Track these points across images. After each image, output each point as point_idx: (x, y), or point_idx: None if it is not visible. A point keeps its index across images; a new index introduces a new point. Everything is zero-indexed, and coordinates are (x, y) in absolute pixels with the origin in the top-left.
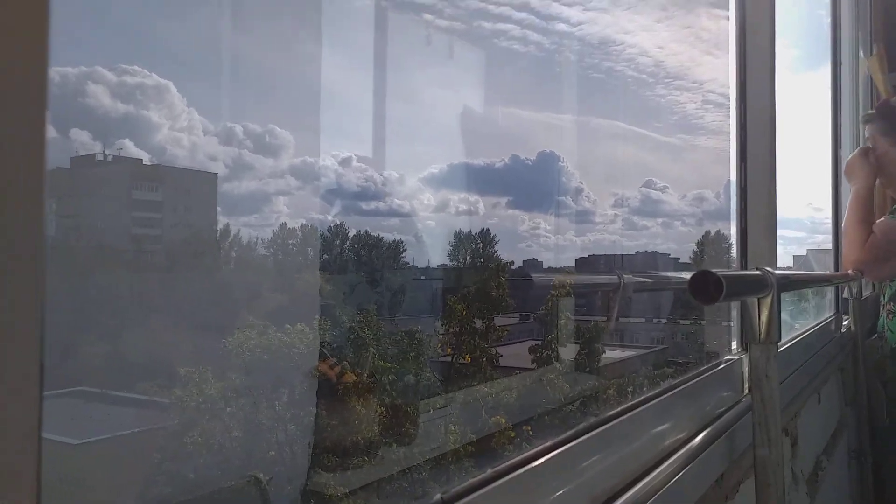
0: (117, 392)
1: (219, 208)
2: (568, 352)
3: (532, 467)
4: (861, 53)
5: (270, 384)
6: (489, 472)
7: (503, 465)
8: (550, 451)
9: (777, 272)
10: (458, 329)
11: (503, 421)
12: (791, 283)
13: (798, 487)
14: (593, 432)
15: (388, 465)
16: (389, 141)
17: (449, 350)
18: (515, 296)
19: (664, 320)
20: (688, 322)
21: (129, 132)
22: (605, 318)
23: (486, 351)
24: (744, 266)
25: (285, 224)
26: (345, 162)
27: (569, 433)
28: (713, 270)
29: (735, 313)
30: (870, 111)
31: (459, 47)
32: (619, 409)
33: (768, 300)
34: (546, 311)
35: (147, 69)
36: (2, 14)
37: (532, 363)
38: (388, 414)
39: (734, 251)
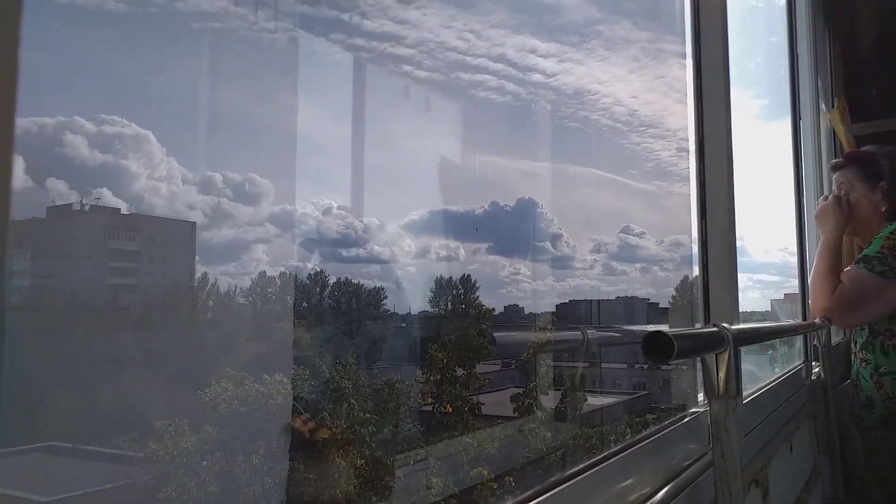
0: (89, 447)
1: (197, 257)
2: (549, 399)
3: None
4: (823, 106)
5: (247, 436)
6: None
7: None
8: None
9: (734, 328)
10: (439, 378)
11: (485, 472)
12: (749, 338)
13: None
14: (555, 490)
15: None
16: (370, 189)
17: (430, 399)
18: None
19: (646, 366)
20: (669, 367)
21: (106, 181)
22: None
23: (468, 400)
24: (707, 321)
25: (264, 272)
26: (325, 210)
27: (528, 493)
28: (665, 331)
29: None
30: (838, 159)
31: (438, 97)
32: (582, 465)
33: (725, 356)
34: (527, 357)
35: (127, 119)
36: None
37: (514, 412)
38: (367, 467)
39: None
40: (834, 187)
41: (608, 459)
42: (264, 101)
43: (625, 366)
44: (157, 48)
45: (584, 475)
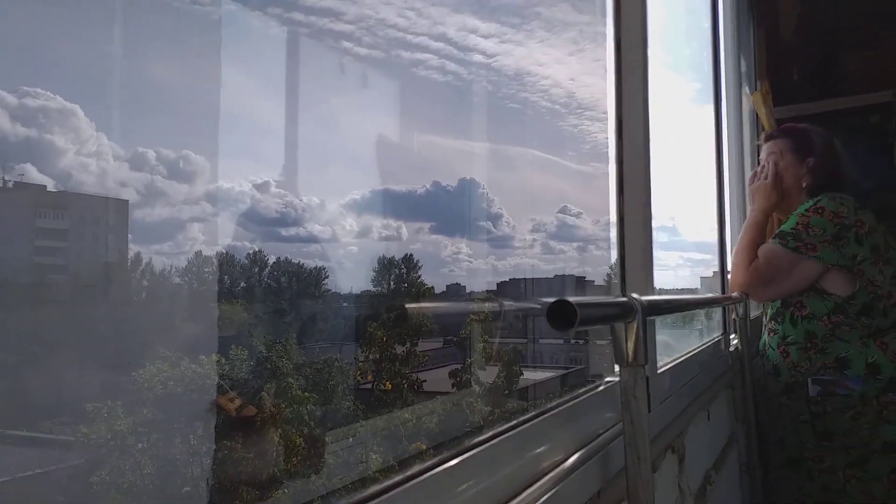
0: (16, 431)
1: (130, 236)
2: (487, 375)
3: (388, 497)
4: (746, 89)
5: (185, 418)
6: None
7: (358, 497)
8: (414, 478)
9: (644, 298)
10: (377, 356)
11: (423, 447)
12: (660, 309)
13: (685, 502)
14: (469, 454)
15: (305, 496)
16: (309, 167)
17: (369, 377)
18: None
19: (582, 341)
20: (604, 342)
21: (31, 157)
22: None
23: (407, 376)
24: (624, 293)
25: (200, 252)
26: (262, 187)
27: (434, 459)
28: (569, 299)
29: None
30: (772, 130)
31: (379, 75)
32: (496, 430)
33: (634, 325)
34: (465, 334)
35: (51, 92)
36: None
37: (452, 387)
38: (305, 445)
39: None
40: (763, 156)
41: (521, 425)
42: (199, 76)
43: (562, 342)
44: (83, 17)
45: (497, 440)
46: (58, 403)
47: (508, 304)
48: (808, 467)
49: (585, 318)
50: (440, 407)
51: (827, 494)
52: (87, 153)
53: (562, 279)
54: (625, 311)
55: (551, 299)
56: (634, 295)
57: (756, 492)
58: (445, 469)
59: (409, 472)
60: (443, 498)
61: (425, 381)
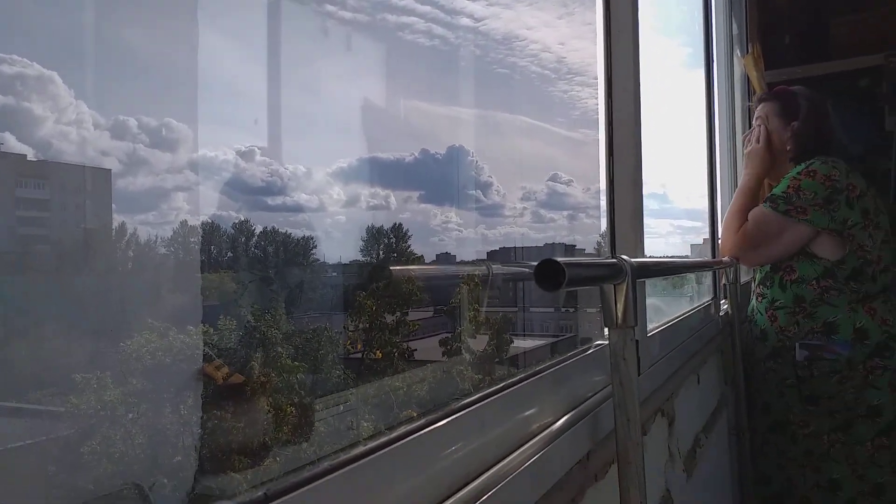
0: (5, 403)
1: (114, 206)
2: (477, 343)
3: (377, 456)
4: (737, 52)
5: (174, 388)
6: (325, 465)
7: (345, 457)
8: (402, 439)
9: (634, 260)
10: (367, 325)
11: (414, 415)
12: (649, 271)
13: (675, 465)
14: (458, 414)
15: (296, 463)
16: (294, 134)
17: (359, 346)
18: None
19: (572, 308)
20: (594, 310)
21: (8, 126)
22: (514, 309)
23: (398, 346)
24: (614, 255)
25: (186, 221)
26: (247, 155)
27: (422, 421)
28: (557, 259)
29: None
30: (762, 93)
31: (364, 39)
32: (484, 392)
33: (624, 286)
34: (455, 303)
35: (28, 59)
36: None
37: (443, 356)
38: (296, 413)
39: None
40: (754, 120)
41: (510, 388)
42: (179, 42)
43: (552, 310)
44: None
45: (485, 402)
46: (46, 374)
47: (497, 268)
48: (793, 431)
49: (573, 278)
50: (431, 375)
51: (810, 458)
52: (67, 121)
53: (552, 248)
54: (614, 273)
55: (538, 262)
56: (624, 256)
57: (745, 455)
58: (434, 429)
59: (397, 433)
60: (431, 458)
61: (415, 350)
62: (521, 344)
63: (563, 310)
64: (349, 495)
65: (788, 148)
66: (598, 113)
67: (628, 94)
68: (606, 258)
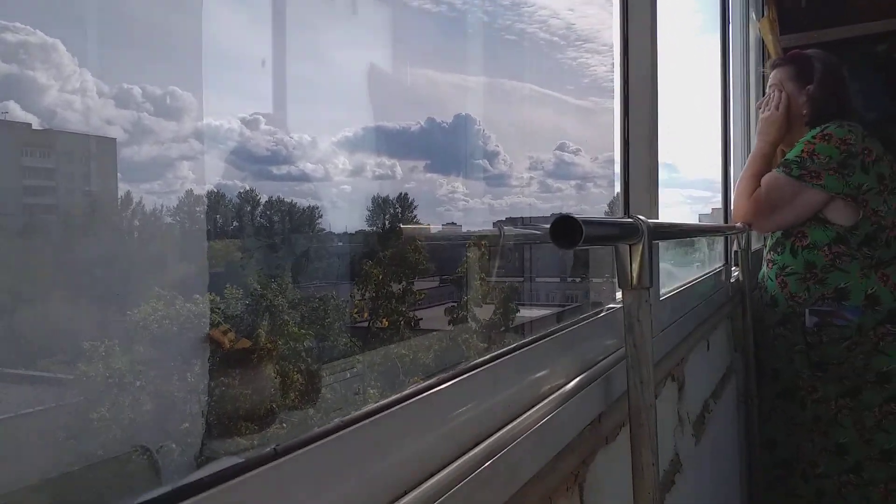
0: (15, 370)
1: (119, 175)
2: (483, 312)
3: (386, 415)
4: (753, 15)
5: (181, 356)
6: (336, 421)
7: (356, 414)
8: (413, 398)
9: (651, 221)
10: (374, 294)
11: (420, 381)
12: (665, 233)
13: (684, 430)
14: (467, 374)
15: (303, 430)
16: (299, 103)
17: (366, 315)
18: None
19: (578, 279)
20: (600, 280)
21: (12, 94)
22: (521, 279)
23: (404, 314)
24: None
25: (191, 191)
26: (252, 124)
27: (433, 380)
28: (575, 215)
29: None
30: (778, 58)
31: (370, 5)
32: (494, 353)
33: (640, 247)
34: (462, 273)
35: (30, 26)
36: None
37: (449, 324)
38: (303, 381)
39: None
40: (769, 86)
41: (522, 349)
42: (183, 8)
43: (558, 279)
44: None
45: (496, 362)
46: (54, 343)
47: (509, 230)
48: (801, 397)
49: (590, 236)
50: (437, 343)
51: (818, 424)
52: (71, 90)
53: None
54: (630, 232)
55: (554, 218)
56: (641, 216)
57: (753, 421)
58: (446, 389)
59: (408, 392)
60: (443, 418)
61: (422, 319)
62: (527, 313)
63: (570, 280)
64: (359, 451)
65: (804, 112)
66: (607, 81)
67: (645, 53)
68: (622, 217)
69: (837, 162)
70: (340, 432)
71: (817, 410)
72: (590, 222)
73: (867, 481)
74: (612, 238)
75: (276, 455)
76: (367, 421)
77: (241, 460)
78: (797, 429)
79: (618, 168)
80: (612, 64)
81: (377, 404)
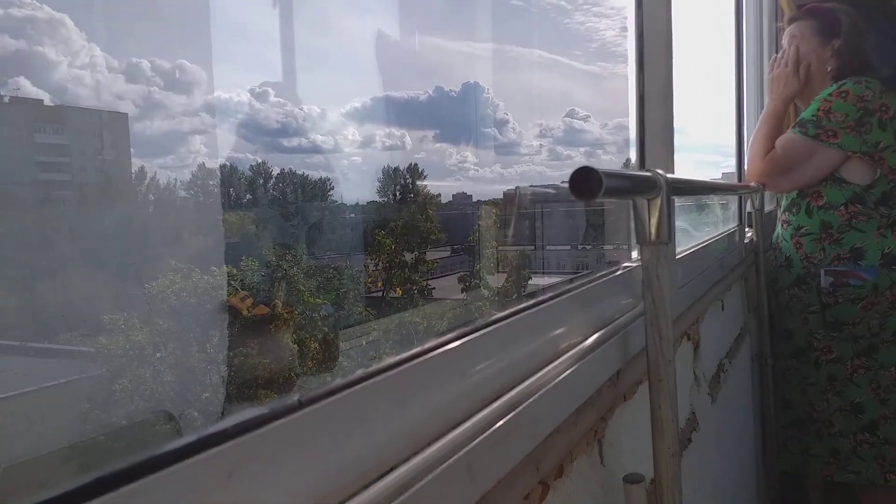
0: (37, 344)
1: (132, 150)
2: (496, 280)
3: (408, 367)
4: None
5: (199, 327)
6: (359, 373)
7: (378, 366)
8: (433, 351)
9: (669, 175)
10: (387, 263)
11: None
12: (683, 188)
13: (700, 388)
14: (479, 332)
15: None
16: (308, 74)
17: (379, 284)
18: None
19: (589, 247)
20: (611, 247)
21: (22, 70)
22: (531, 247)
23: (417, 283)
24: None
25: (203, 164)
26: (261, 97)
27: (450, 335)
28: (594, 167)
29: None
30: (795, 13)
31: None
32: (511, 310)
33: (658, 201)
34: (473, 241)
35: (37, 1)
36: None
37: (462, 292)
38: (320, 348)
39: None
40: (784, 42)
41: (538, 305)
42: None
43: (568, 247)
44: None
45: (513, 318)
46: (75, 316)
47: (524, 188)
48: (816, 357)
49: (610, 189)
50: (450, 311)
51: (833, 383)
52: (81, 65)
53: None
54: (648, 186)
55: (574, 170)
56: (659, 171)
57: (766, 381)
58: (465, 343)
59: (428, 346)
60: (462, 372)
61: (434, 288)
62: (538, 280)
63: (580, 247)
64: (383, 402)
65: (830, 68)
66: (616, 45)
67: (660, 5)
68: (641, 170)
69: (854, 120)
70: (364, 383)
71: (832, 370)
72: (610, 174)
73: (882, 440)
74: (631, 191)
75: (300, 405)
76: (389, 373)
77: (265, 411)
78: (811, 388)
79: (633, 123)
80: (620, 28)
81: (398, 357)
